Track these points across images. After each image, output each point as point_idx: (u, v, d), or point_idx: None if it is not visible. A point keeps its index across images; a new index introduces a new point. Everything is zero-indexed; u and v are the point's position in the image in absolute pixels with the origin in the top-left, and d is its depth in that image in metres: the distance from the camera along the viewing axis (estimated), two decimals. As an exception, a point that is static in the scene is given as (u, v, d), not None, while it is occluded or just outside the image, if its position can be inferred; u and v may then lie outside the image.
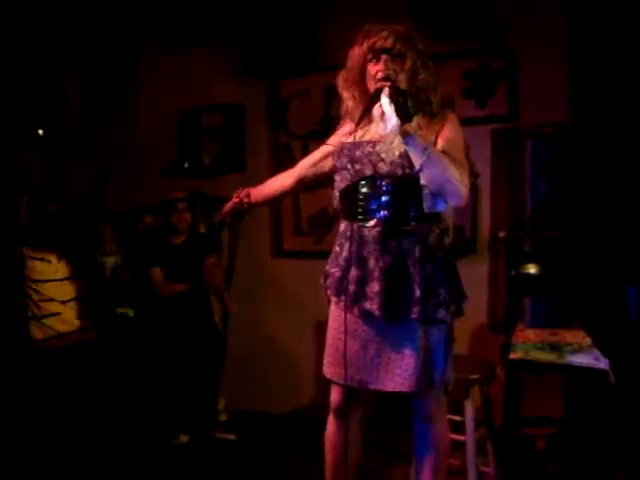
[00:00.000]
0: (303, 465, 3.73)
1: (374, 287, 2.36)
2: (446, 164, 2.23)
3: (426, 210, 2.32)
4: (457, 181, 2.23)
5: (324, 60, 4.51)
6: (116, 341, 4.30)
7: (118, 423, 4.11)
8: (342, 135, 2.56)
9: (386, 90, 2.23)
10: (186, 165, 5.05)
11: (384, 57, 2.37)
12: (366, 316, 2.40)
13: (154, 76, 5.15)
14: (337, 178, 2.48)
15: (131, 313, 4.49)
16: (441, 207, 2.34)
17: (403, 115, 2.18)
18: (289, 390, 4.74)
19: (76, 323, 4.07)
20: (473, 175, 2.51)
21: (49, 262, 4.03)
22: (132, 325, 4.43)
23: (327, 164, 2.62)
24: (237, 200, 2.74)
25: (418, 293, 2.32)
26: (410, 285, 2.33)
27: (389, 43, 2.37)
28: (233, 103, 4.92)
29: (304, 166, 2.72)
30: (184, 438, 4.24)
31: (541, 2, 4.11)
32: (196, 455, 4.09)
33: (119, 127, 5.22)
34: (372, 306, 2.37)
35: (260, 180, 2.88)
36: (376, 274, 2.36)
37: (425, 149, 2.21)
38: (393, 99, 2.20)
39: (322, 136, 4.03)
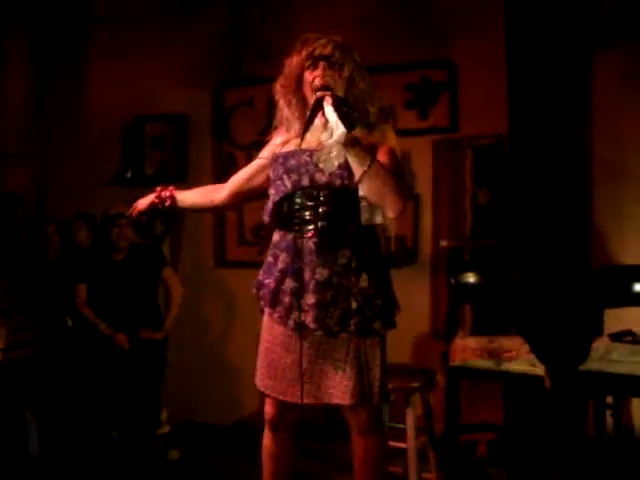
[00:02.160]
0: (246, 475, 3.71)
1: (309, 299, 2.33)
2: (387, 176, 2.24)
3: (363, 222, 2.32)
4: (397, 193, 2.24)
5: (268, 71, 4.51)
6: (56, 354, 4.21)
7: (60, 436, 4.02)
8: (276, 145, 2.53)
9: (329, 99, 2.22)
10: (129, 175, 4.99)
11: (322, 64, 2.36)
12: (300, 328, 2.36)
13: (97, 83, 5.08)
14: (272, 190, 2.45)
15: (70, 322, 4.41)
16: (379, 219, 2.34)
17: (348, 123, 2.18)
18: (232, 400, 4.72)
19: (3, 340, 3.94)
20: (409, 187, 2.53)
21: None
22: (71, 336, 4.35)
23: (261, 177, 2.58)
24: (157, 201, 2.66)
25: (355, 305, 2.31)
26: (346, 297, 2.32)
27: (328, 50, 2.36)
28: (177, 112, 4.90)
29: (237, 181, 2.67)
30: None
31: (480, 16, 4.20)
32: (140, 467, 4.03)
33: (60, 134, 5.14)
34: (307, 318, 2.33)
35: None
36: (311, 286, 2.33)
37: (368, 159, 2.22)
38: (337, 107, 2.19)
39: (265, 146, 4.06)
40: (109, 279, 4.27)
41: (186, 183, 4.76)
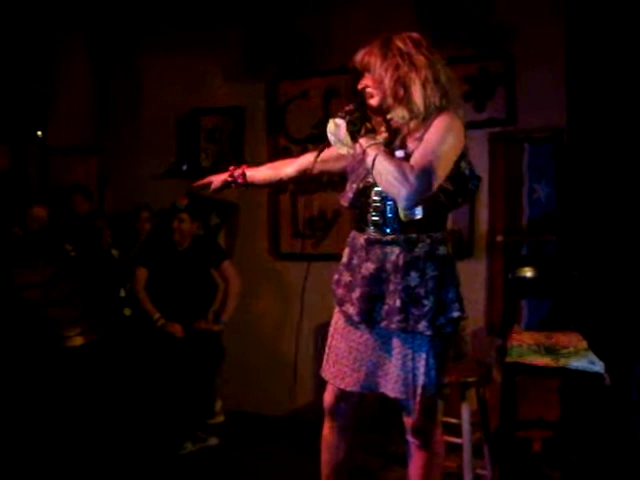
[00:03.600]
0: (300, 467, 3.74)
1: (357, 292, 2.38)
2: (389, 168, 2.17)
3: (403, 218, 2.28)
4: (399, 185, 2.14)
5: (323, 63, 4.55)
6: (115, 342, 4.30)
7: (118, 428, 4.09)
8: None
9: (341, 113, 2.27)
10: (185, 167, 5.05)
11: (364, 74, 2.39)
12: (351, 320, 2.42)
13: (153, 77, 5.16)
14: (347, 193, 2.48)
15: (128, 312, 4.50)
16: (418, 214, 2.27)
17: (352, 134, 2.24)
18: (286, 392, 4.73)
19: (67, 327, 4.04)
20: (475, 178, 2.44)
21: (35, 267, 4.03)
22: (129, 325, 4.44)
23: (337, 165, 2.59)
24: (230, 179, 2.75)
25: (398, 303, 2.30)
26: (392, 294, 2.32)
27: (358, 62, 2.38)
28: (232, 105, 4.94)
29: (309, 160, 2.64)
30: (190, 446, 4.17)
31: (539, 8, 4.13)
32: (191, 459, 4.09)
33: (119, 129, 5.24)
34: (352, 311, 2.39)
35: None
36: (359, 280, 2.38)
37: (373, 157, 2.21)
38: (345, 118, 2.25)
39: (321, 140, 4.04)
40: (171, 267, 4.35)
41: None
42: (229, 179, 2.76)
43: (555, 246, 4.09)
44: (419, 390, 2.35)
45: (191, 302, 4.35)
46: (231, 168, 2.77)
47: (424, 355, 2.35)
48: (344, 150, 2.31)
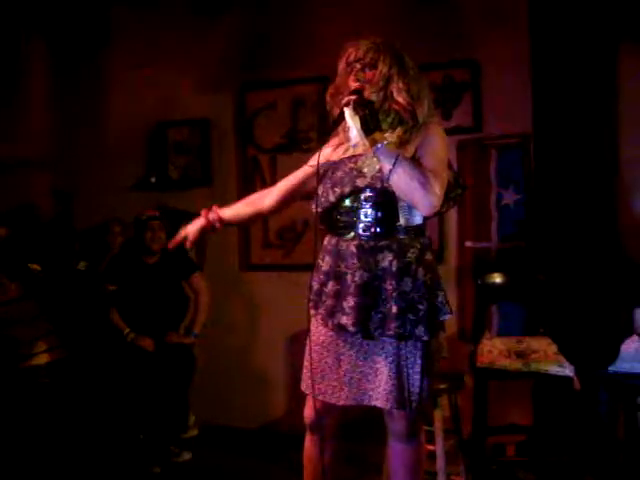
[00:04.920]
0: (272, 479, 3.73)
1: (350, 302, 2.32)
2: (415, 172, 2.20)
3: (402, 223, 2.30)
4: (425, 190, 2.18)
5: (291, 73, 4.55)
6: (86, 358, 4.24)
7: (90, 444, 4.03)
8: (327, 150, 2.50)
9: (350, 103, 2.25)
10: (153, 180, 5.01)
11: (356, 68, 2.37)
12: (341, 330, 2.36)
13: (120, 89, 5.11)
14: (317, 203, 2.44)
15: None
16: (418, 220, 2.33)
17: (367, 126, 2.21)
18: (259, 404, 4.71)
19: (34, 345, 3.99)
20: (460, 187, 2.49)
21: (1, 284, 3.99)
22: (100, 340, 4.39)
23: (312, 183, 2.50)
24: (207, 226, 2.59)
25: (395, 309, 2.28)
26: (387, 301, 2.30)
27: (361, 53, 2.37)
28: (200, 117, 4.92)
29: (291, 186, 2.62)
30: (157, 469, 4.05)
31: (504, 16, 4.16)
32: (165, 475, 4.02)
33: (84, 141, 5.17)
34: (347, 321, 2.32)
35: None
36: (352, 289, 2.32)
37: (394, 157, 2.20)
38: (357, 111, 2.23)
39: (289, 149, 4.05)
40: (141, 282, 4.31)
41: (210, 187, 4.80)
42: (206, 226, 2.58)
43: (524, 252, 4.11)
44: (414, 397, 2.34)
45: (162, 315, 4.31)
46: (203, 213, 2.59)
47: (419, 361, 2.35)
48: (357, 140, 2.32)
